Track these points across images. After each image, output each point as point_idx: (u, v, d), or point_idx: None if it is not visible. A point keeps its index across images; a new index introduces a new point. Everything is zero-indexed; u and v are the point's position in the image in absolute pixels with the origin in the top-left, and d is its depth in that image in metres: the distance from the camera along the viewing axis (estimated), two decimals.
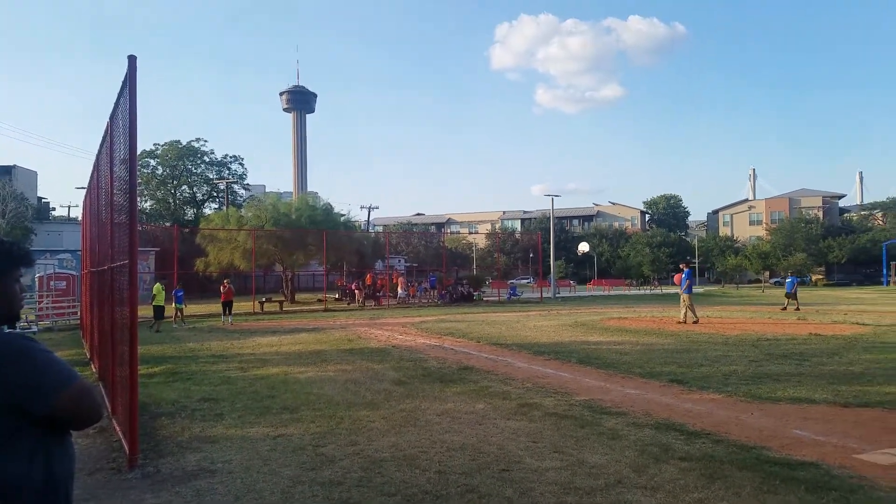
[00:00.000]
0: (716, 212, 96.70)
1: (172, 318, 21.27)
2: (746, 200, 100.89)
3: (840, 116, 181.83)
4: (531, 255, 68.72)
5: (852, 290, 53.62)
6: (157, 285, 20.38)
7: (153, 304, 19.60)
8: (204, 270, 31.75)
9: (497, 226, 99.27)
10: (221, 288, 22.19)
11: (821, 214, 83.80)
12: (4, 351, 1.74)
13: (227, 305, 21.91)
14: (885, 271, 63.91)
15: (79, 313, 20.82)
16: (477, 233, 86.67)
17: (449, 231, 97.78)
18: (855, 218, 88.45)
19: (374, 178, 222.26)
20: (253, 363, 11.69)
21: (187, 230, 40.58)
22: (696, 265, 77.15)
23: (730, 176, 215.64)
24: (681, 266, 20.60)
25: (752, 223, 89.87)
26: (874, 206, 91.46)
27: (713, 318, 20.95)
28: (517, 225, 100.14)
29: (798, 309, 24.23)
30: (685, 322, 18.18)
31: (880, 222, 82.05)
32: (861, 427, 6.36)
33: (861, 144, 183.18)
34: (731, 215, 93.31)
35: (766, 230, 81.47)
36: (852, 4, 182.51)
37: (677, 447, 5.69)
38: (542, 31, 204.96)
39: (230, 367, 11.27)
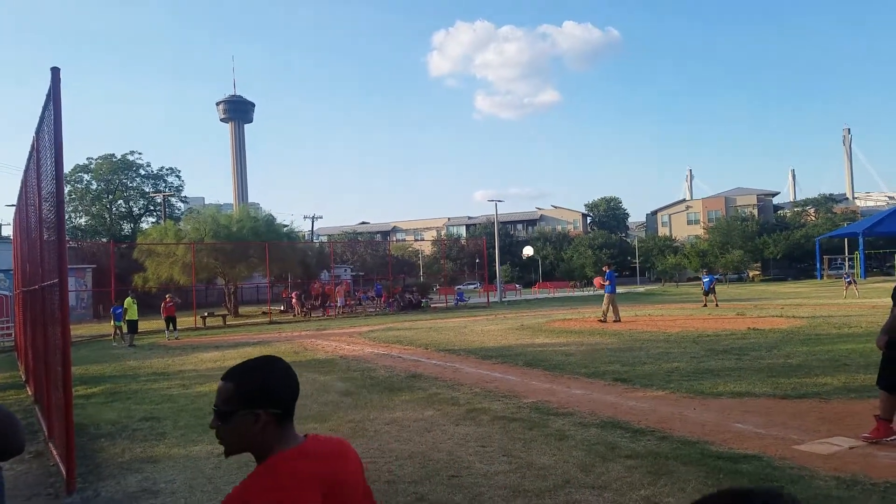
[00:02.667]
0: (654, 212, 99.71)
1: (111, 337, 20.58)
2: (684, 200, 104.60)
3: (772, 117, 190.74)
4: (477, 261, 69.22)
5: (788, 284, 56.09)
6: (129, 299, 19.71)
7: (126, 318, 19.28)
8: (143, 286, 30.63)
9: (442, 232, 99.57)
10: (163, 303, 21.47)
11: (756, 212, 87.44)
12: None
13: (171, 320, 21.24)
14: (818, 265, 67.04)
15: (13, 334, 19.83)
16: (423, 240, 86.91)
17: (395, 239, 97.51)
18: (788, 215, 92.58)
19: (317, 188, 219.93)
20: (196, 379, 11.34)
21: (124, 245, 39.16)
22: (637, 265, 79.48)
23: (667, 177, 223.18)
24: (603, 268, 21.47)
25: (689, 223, 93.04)
26: (806, 202, 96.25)
27: (655, 315, 21.55)
28: (462, 231, 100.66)
29: (717, 305, 25.28)
30: (605, 321, 18.98)
31: (812, 218, 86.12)
32: (799, 418, 6.61)
33: (793, 143, 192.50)
34: (670, 215, 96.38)
35: (704, 229, 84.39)
36: (783, 9, 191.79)
37: (623, 445, 5.81)
38: (479, 38, 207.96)
39: (172, 384, 10.90)
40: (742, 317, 19.55)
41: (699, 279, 70.61)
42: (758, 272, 77.00)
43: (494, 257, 44.90)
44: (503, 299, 41.51)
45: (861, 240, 60.29)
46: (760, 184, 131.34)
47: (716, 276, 29.88)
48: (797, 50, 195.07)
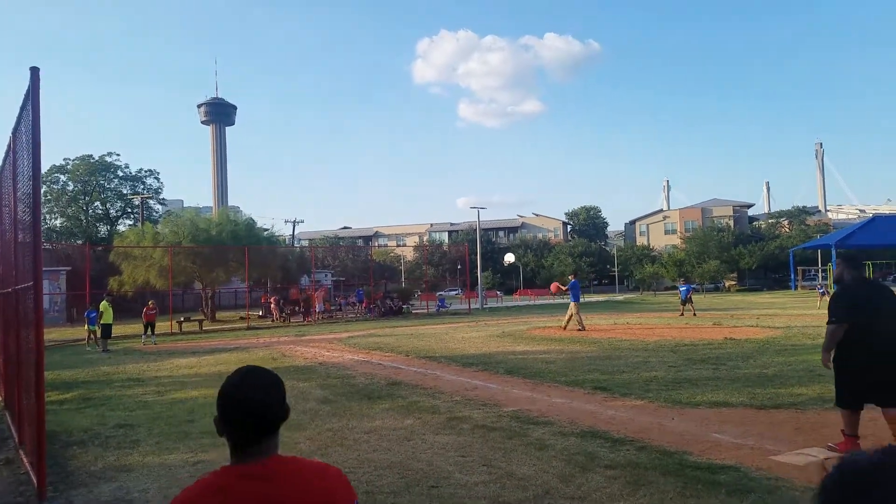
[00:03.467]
0: (633, 222, 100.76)
1: (85, 341, 20.23)
2: (661, 211, 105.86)
3: (748, 129, 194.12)
4: (459, 267, 69.30)
5: (763, 294, 56.94)
6: (104, 302, 19.41)
7: (101, 322, 18.97)
8: (118, 290, 30.15)
9: (425, 238, 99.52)
10: (145, 309, 21.33)
11: (732, 223, 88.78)
12: None
13: (150, 325, 21.16)
14: (792, 276, 68.17)
15: None
16: (405, 246, 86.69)
17: (377, 244, 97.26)
18: (763, 226, 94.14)
19: (298, 193, 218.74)
20: (171, 386, 11.17)
21: (100, 248, 38.52)
22: (616, 273, 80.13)
23: (645, 187, 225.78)
24: (569, 276, 21.82)
25: (667, 232, 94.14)
26: (781, 214, 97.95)
27: (633, 324, 21.72)
28: (444, 237, 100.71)
29: (694, 314, 25.60)
30: (565, 328, 19.39)
31: (787, 230, 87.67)
32: (776, 428, 6.68)
33: (767, 156, 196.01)
34: (648, 225, 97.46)
35: (681, 239, 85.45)
36: (758, 21, 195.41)
37: (602, 455, 5.83)
38: (462, 47, 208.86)
39: (147, 390, 10.72)
40: (719, 326, 19.78)
41: (676, 288, 71.66)
42: (734, 282, 78.10)
43: (476, 264, 44.96)
44: (485, 306, 41.57)
45: (833, 251, 61.34)
46: (736, 195, 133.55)
47: (692, 286, 30.26)
48: (772, 65, 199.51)
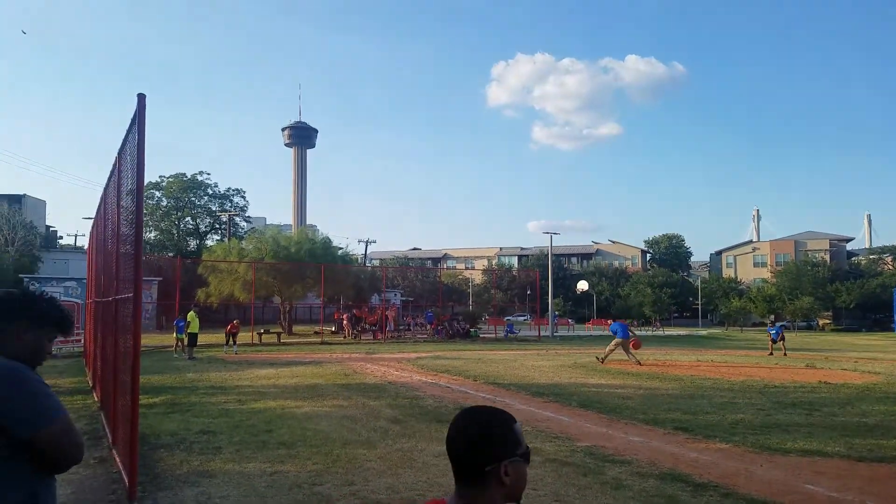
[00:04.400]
0: (719, 253, 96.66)
1: (173, 348, 21.35)
2: (751, 242, 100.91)
3: (847, 159, 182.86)
4: (528, 293, 68.54)
5: (861, 336, 53.17)
6: (192, 313, 20.77)
7: (188, 331, 20.15)
8: (205, 301, 31.70)
9: (494, 262, 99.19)
10: (230, 326, 23.23)
11: (828, 257, 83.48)
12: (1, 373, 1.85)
13: (232, 336, 22.70)
14: (895, 318, 63.34)
15: (83, 341, 20.79)
16: (473, 269, 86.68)
17: (445, 266, 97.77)
18: (863, 262, 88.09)
19: (372, 213, 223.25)
20: (251, 396, 11.55)
21: (189, 261, 40.65)
22: (699, 307, 76.88)
23: (733, 216, 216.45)
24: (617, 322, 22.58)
25: (756, 265, 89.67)
26: (883, 250, 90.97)
27: (718, 362, 20.72)
28: (514, 261, 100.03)
29: (785, 354, 24.00)
30: (637, 363, 18.99)
31: (890, 267, 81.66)
32: (877, 484, 6.16)
33: (869, 187, 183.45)
34: (735, 257, 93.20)
35: (771, 272, 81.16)
36: (854, 44, 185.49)
37: (684, 500, 5.54)
38: (539, 70, 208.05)
39: (229, 399, 11.14)
40: (812, 368, 18.56)
41: (764, 324, 68.15)
42: (828, 321, 73.27)
43: (547, 290, 44.35)
44: (555, 334, 40.83)
45: None
46: (833, 228, 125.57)
47: (782, 325, 28.66)
48: (872, 89, 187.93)
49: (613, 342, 19.64)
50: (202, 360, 19.08)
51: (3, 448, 1.79)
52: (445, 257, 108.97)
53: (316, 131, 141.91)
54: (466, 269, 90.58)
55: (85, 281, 22.89)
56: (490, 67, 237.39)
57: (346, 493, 5.55)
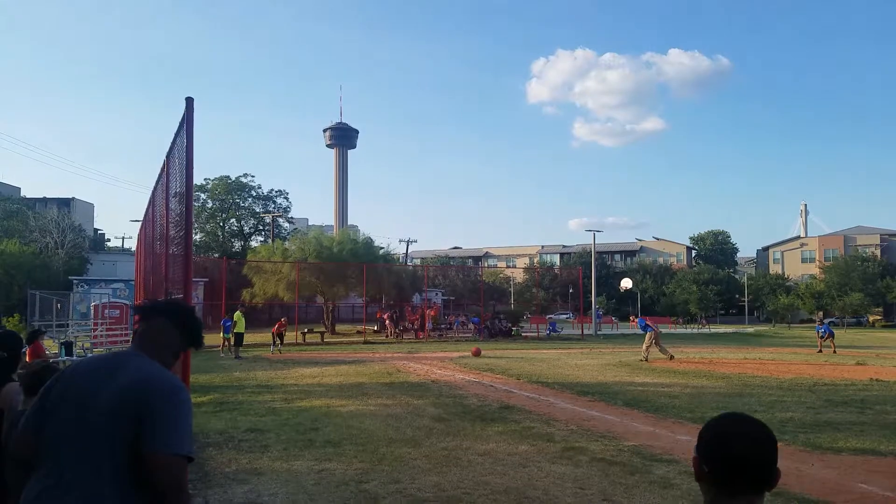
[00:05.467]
0: (766, 249, 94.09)
1: (220, 348, 21.86)
2: (798, 237, 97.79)
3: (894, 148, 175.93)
4: (570, 291, 67.88)
5: None
6: (238, 313, 21.36)
7: (234, 331, 20.69)
8: (250, 301, 32.42)
9: (535, 260, 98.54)
10: (278, 325, 23.76)
11: (878, 253, 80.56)
12: (165, 386, 1.85)
13: (280, 336, 23.27)
14: None
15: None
16: (515, 267, 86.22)
17: (486, 265, 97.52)
18: None
19: (412, 212, 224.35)
20: (296, 394, 11.78)
21: (235, 262, 41.57)
22: (746, 304, 74.99)
23: (780, 212, 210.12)
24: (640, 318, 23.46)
25: (804, 261, 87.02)
26: None
27: (766, 359, 20.20)
28: (556, 259, 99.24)
29: (834, 351, 23.39)
30: (670, 357, 19.33)
31: None
32: None
33: None
34: (782, 252, 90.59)
35: (820, 268, 78.68)
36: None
37: None
38: (579, 66, 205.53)
39: (275, 397, 11.38)
40: (863, 366, 17.94)
41: (812, 321, 66.14)
42: (879, 317, 70.60)
43: (590, 288, 43.86)
44: (598, 332, 40.36)
45: None
46: (884, 222, 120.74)
47: (830, 322, 27.90)
48: None
49: (647, 338, 19.99)
50: (248, 360, 19.52)
51: (131, 461, 1.76)
52: (486, 256, 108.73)
53: (357, 132, 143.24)
54: (508, 267, 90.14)
55: (133, 283, 23.71)
56: (530, 64, 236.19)
57: (392, 490, 5.63)
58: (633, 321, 28.79)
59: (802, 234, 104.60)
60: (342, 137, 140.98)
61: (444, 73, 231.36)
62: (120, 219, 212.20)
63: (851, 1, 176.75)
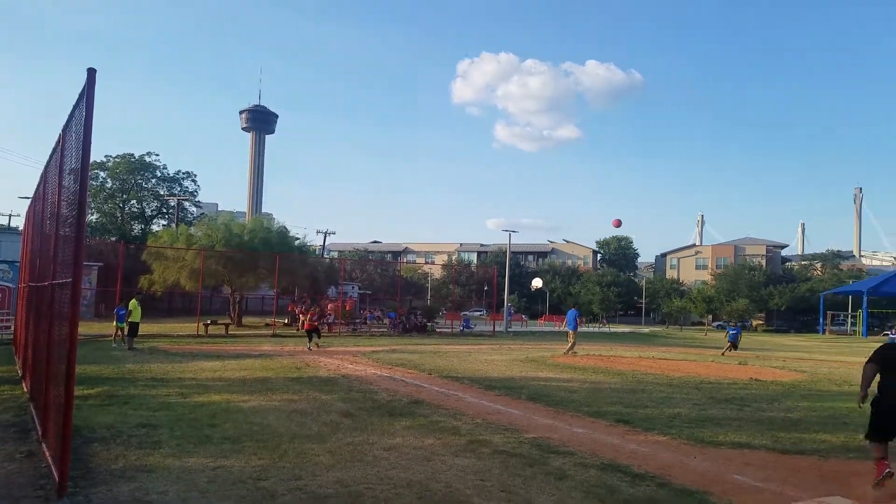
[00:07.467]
0: (664, 255, 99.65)
1: (112, 338, 20.60)
2: (694, 245, 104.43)
3: (786, 169, 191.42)
4: (486, 288, 69.06)
5: (790, 336, 55.70)
6: (134, 301, 19.87)
7: (129, 320, 19.35)
8: (148, 288, 30.72)
9: (454, 257, 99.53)
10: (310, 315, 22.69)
11: (764, 263, 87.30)
12: None
13: (316, 331, 21.95)
14: (821, 320, 66.71)
15: (12, 328, 19.85)
16: (433, 263, 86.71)
17: (405, 260, 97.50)
18: (796, 267, 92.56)
19: (331, 204, 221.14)
20: (194, 389, 11.29)
21: (133, 246, 39.32)
22: (643, 306, 79.12)
23: (679, 221, 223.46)
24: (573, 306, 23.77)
25: (698, 268, 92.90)
26: (814, 257, 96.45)
27: (658, 358, 21.39)
28: (474, 257, 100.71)
29: (723, 354, 24.54)
30: (574, 354, 20.42)
31: (819, 273, 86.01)
32: (798, 474, 6.54)
33: (804, 198, 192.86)
34: (679, 259, 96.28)
35: (712, 275, 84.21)
36: (803, 68, 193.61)
37: (622, 489, 5.74)
38: (503, 69, 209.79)
39: (171, 391, 10.85)
40: (744, 366, 19.38)
41: (703, 324, 70.64)
42: (761, 322, 76.56)
43: (504, 286, 44.81)
44: (509, 329, 41.32)
45: (865, 298, 60.03)
46: (770, 235, 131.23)
47: (739, 327, 29.09)
48: (813, 108, 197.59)
49: (573, 335, 21.06)
50: (143, 351, 18.51)
51: None
52: (406, 251, 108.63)
53: (276, 116, 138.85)
54: (426, 263, 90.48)
55: (18, 264, 21.89)
56: (456, 64, 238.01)
57: (292, 487, 5.51)
58: (559, 319, 29.83)
59: (698, 243, 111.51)
60: (260, 121, 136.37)
61: (371, 65, 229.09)
62: (7, 195, 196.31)
63: (756, 17, 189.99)
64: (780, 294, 73.83)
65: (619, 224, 22.84)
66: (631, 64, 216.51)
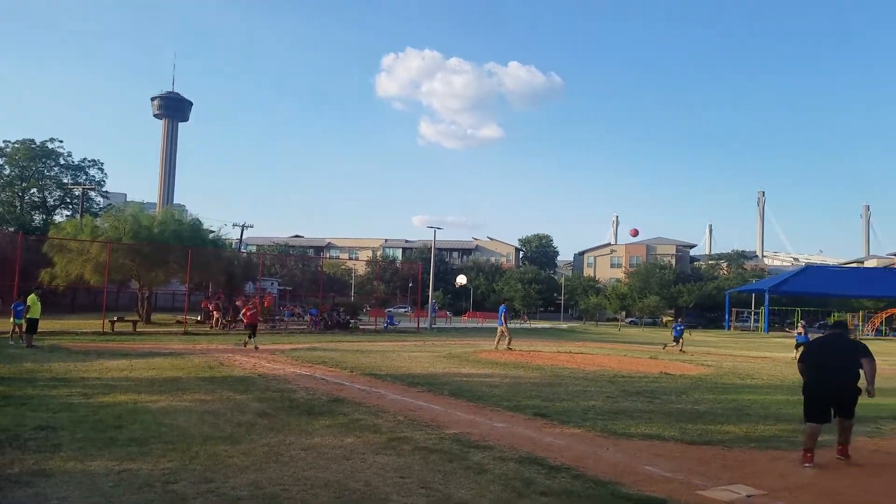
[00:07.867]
0: (581, 253, 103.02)
1: (9, 335, 19.18)
2: (609, 245, 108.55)
3: (696, 173, 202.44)
4: (410, 285, 69.08)
5: (698, 332, 58.72)
6: (33, 296, 18.42)
7: (28, 316, 17.99)
8: (49, 283, 28.78)
9: (378, 254, 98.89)
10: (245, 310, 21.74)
11: (674, 262, 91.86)
12: None
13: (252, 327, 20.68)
14: (727, 317, 70.87)
15: None
16: (357, 259, 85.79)
17: (328, 256, 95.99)
18: (703, 266, 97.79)
19: (250, 197, 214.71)
20: (99, 389, 10.68)
21: (33, 238, 36.73)
22: (562, 302, 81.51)
23: (596, 221, 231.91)
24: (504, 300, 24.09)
25: (613, 266, 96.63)
26: (720, 256, 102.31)
27: (575, 353, 22.08)
28: (398, 254, 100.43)
29: (682, 351, 25.30)
30: (509, 349, 21.09)
31: (725, 272, 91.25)
32: (704, 464, 6.90)
33: (712, 200, 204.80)
34: (595, 258, 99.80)
35: (625, 273, 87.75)
36: (716, 73, 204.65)
37: (539, 481, 5.88)
38: (427, 66, 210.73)
39: (72, 392, 10.22)
40: (655, 360, 20.28)
41: (616, 320, 73.54)
42: (671, 318, 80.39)
43: (428, 283, 44.93)
44: (433, 326, 41.48)
45: (767, 296, 64.32)
46: (680, 235, 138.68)
47: (684, 326, 30.27)
48: (721, 115, 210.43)
49: (503, 330, 21.77)
50: (43, 349, 17.34)
51: None
52: (329, 246, 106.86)
53: (190, 104, 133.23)
54: (350, 259, 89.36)
55: None
56: (380, 58, 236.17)
57: (203, 490, 5.31)
58: (482, 315, 30.49)
59: (613, 242, 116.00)
60: (173, 108, 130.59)
61: (292, 55, 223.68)
62: None
63: (664, 36, 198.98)
64: (689, 292, 77.82)
65: (636, 233, 23.78)
66: (551, 67, 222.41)
